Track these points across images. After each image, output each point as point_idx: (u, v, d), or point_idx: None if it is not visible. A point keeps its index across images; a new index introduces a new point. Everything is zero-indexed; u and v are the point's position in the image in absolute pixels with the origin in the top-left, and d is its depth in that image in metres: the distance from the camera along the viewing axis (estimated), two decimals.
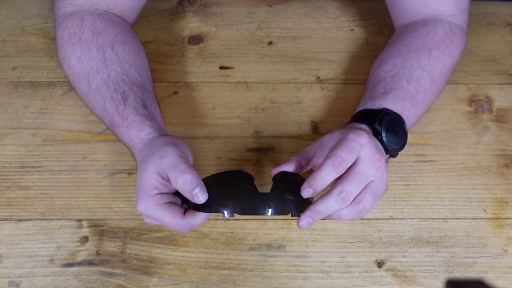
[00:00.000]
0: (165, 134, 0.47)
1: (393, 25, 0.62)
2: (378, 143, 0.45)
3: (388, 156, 0.48)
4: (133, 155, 0.48)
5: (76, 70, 0.52)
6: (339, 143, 0.42)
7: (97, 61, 0.51)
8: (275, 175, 0.44)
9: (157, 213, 0.42)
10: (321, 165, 0.42)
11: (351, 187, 0.41)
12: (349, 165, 0.42)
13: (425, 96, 0.52)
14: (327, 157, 0.42)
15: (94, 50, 0.51)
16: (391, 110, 0.47)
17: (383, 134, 0.46)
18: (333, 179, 0.42)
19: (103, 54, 0.51)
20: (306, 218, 0.42)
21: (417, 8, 0.57)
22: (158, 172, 0.42)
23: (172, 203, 0.43)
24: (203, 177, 0.43)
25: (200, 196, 0.41)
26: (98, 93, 0.50)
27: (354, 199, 0.42)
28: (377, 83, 0.52)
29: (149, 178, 0.42)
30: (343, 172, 0.42)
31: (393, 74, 0.52)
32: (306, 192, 0.42)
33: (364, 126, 0.47)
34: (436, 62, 0.53)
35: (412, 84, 0.51)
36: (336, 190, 0.41)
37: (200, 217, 0.43)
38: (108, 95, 0.49)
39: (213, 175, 0.45)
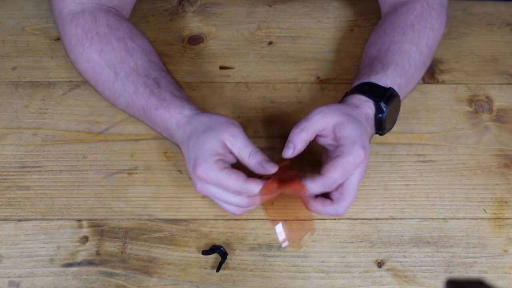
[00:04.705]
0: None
1: (381, 12, 0.63)
2: (368, 139, 0.46)
3: (374, 133, 0.50)
4: (170, 131, 0.48)
5: (98, 62, 0.52)
6: (336, 162, 0.43)
7: (120, 51, 0.52)
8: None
9: (219, 175, 0.42)
10: (315, 181, 0.44)
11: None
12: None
13: (415, 71, 0.54)
14: (322, 175, 0.43)
15: (115, 41, 0.52)
16: (396, 92, 0.49)
17: (385, 115, 0.48)
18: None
19: (124, 45, 0.52)
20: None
21: None
22: (224, 142, 0.44)
23: (232, 168, 0.44)
24: None
25: (270, 165, 0.44)
26: (128, 80, 0.50)
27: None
28: (372, 61, 0.54)
29: (214, 144, 0.43)
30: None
31: (385, 50, 0.54)
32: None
33: (370, 104, 0.48)
34: (421, 35, 0.55)
35: (405, 59, 0.53)
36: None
37: (258, 187, 0.43)
38: (140, 81, 0.50)
39: None
